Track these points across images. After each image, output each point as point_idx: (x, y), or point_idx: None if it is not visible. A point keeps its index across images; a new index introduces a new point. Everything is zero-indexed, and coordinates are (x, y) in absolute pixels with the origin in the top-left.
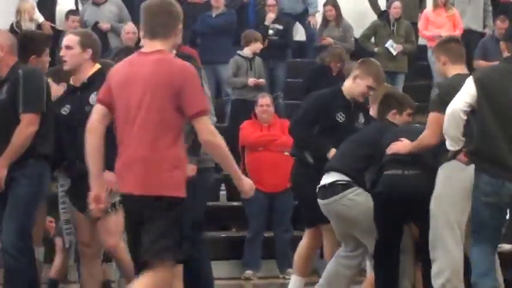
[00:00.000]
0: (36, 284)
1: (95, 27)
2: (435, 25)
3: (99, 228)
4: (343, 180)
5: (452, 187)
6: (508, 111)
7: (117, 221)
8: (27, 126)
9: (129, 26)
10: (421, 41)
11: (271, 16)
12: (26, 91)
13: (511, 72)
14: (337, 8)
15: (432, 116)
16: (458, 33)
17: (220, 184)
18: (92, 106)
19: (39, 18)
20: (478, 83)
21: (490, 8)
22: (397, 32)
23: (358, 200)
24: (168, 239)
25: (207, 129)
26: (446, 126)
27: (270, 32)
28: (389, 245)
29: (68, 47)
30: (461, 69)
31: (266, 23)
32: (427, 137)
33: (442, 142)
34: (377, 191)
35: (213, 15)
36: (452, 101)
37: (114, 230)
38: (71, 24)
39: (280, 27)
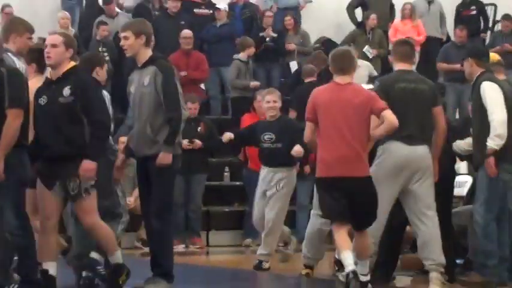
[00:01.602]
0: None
1: (118, 35)
2: (403, 33)
3: (77, 210)
4: None
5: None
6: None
7: (90, 202)
8: (14, 120)
9: None
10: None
11: (268, 25)
12: (11, 88)
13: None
14: (294, 18)
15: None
16: (422, 39)
17: (225, 167)
18: (64, 98)
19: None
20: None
21: (445, 18)
22: (373, 39)
23: None
24: None
25: None
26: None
27: (267, 39)
28: None
29: (54, 46)
30: (404, 66)
31: (264, 32)
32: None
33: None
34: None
35: (218, 26)
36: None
37: (89, 210)
38: (102, 33)
39: (275, 34)
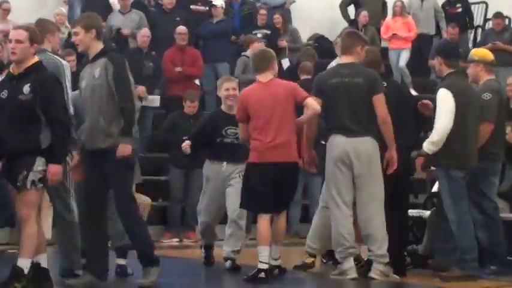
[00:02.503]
0: None
1: (118, 32)
2: (394, 30)
3: (19, 200)
4: None
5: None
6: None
7: (34, 197)
8: None
9: (145, 31)
10: (384, 44)
11: (262, 23)
12: None
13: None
14: (283, 16)
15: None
16: (413, 35)
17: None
18: (24, 95)
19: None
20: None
21: (443, 14)
22: (365, 36)
23: None
24: None
25: None
26: None
27: (259, 35)
28: None
29: (18, 41)
30: (345, 59)
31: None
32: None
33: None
34: None
35: (214, 22)
36: None
37: (30, 204)
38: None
39: (268, 31)
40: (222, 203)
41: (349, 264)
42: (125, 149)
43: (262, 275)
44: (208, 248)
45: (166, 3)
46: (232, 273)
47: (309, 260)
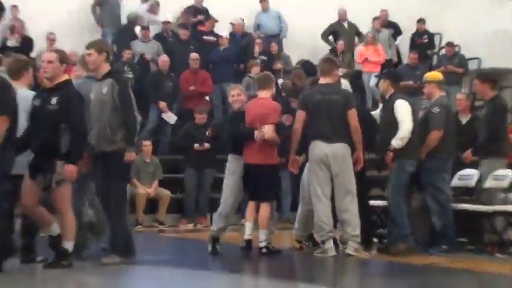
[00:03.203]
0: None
1: (142, 57)
2: (366, 56)
3: (51, 198)
4: None
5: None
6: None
7: (63, 193)
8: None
9: (164, 57)
10: (357, 67)
11: (259, 50)
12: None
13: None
14: (278, 44)
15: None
16: (381, 60)
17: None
18: (52, 106)
19: None
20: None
21: (394, 42)
22: (343, 61)
23: None
24: None
25: None
26: None
27: (258, 61)
28: None
29: (50, 62)
30: (324, 80)
31: (255, 55)
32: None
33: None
34: None
35: (221, 50)
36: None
37: (61, 199)
38: (127, 56)
39: (265, 57)
40: (240, 196)
41: (329, 244)
42: (131, 156)
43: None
44: (216, 240)
45: (182, 34)
46: (238, 250)
47: (297, 245)
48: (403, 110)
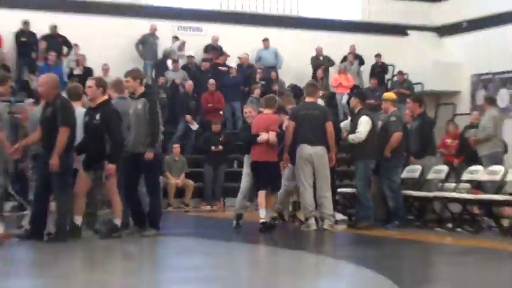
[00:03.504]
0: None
1: (173, 82)
2: (339, 81)
3: (104, 187)
4: None
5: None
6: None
7: (111, 184)
8: (63, 134)
9: (190, 82)
10: (332, 89)
11: (260, 77)
12: (64, 113)
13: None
14: (275, 71)
15: (288, 122)
16: (350, 84)
17: (234, 160)
18: (96, 121)
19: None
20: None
21: (361, 71)
22: (322, 85)
23: None
24: None
25: None
26: None
27: (259, 85)
28: None
29: (90, 87)
30: (309, 99)
31: (257, 80)
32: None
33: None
34: None
35: (231, 77)
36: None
37: (110, 189)
38: (162, 81)
39: (264, 82)
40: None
41: (312, 221)
42: (149, 155)
43: (261, 226)
44: (240, 217)
45: (203, 66)
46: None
47: (276, 215)
48: (364, 123)
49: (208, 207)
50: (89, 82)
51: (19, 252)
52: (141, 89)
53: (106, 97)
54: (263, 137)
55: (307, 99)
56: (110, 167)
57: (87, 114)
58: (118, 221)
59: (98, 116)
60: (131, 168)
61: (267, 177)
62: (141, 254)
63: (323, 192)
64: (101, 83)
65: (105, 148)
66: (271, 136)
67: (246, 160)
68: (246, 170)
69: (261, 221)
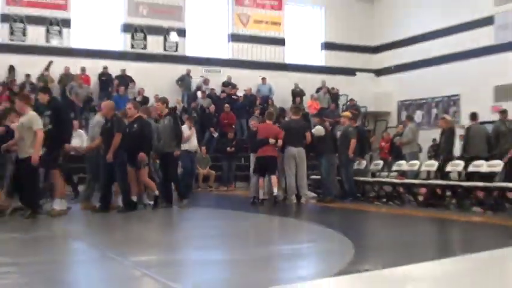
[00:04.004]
0: None
1: (202, 106)
2: (312, 105)
3: (140, 172)
4: None
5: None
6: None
7: (144, 171)
8: (117, 138)
9: (213, 106)
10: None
11: (259, 103)
12: (117, 125)
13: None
14: (271, 99)
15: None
16: (319, 107)
17: (242, 157)
18: (134, 129)
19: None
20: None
21: (328, 97)
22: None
23: None
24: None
25: None
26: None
27: (258, 108)
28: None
29: (129, 108)
30: (294, 116)
31: (257, 104)
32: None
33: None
34: None
35: (240, 102)
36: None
37: (143, 174)
38: (193, 105)
39: (261, 106)
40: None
41: (293, 197)
42: (177, 153)
43: (257, 200)
44: (256, 198)
45: (221, 95)
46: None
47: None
48: (319, 129)
49: (225, 188)
50: (128, 105)
51: (96, 219)
52: (166, 110)
53: (139, 114)
54: (272, 141)
55: (293, 117)
56: (142, 155)
57: (128, 126)
58: (156, 192)
59: (135, 126)
60: (162, 166)
61: (274, 166)
62: (177, 218)
63: (302, 179)
64: (135, 106)
65: (141, 147)
66: (279, 142)
67: (253, 157)
68: (252, 163)
69: (273, 195)
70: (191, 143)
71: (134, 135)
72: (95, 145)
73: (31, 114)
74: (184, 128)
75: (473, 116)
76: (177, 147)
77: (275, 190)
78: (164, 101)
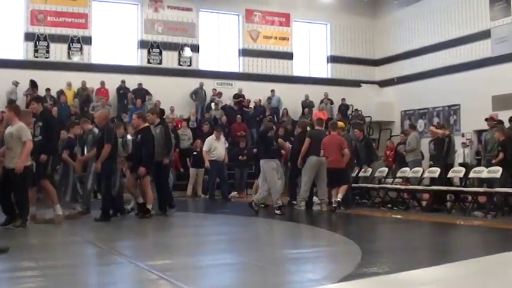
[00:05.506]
0: None
1: (215, 117)
2: (319, 115)
3: (143, 181)
4: None
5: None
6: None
7: (145, 180)
8: (106, 148)
9: (224, 117)
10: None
11: (269, 114)
12: (107, 136)
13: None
14: (285, 110)
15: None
16: (326, 117)
17: (252, 165)
18: (139, 139)
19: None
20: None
21: (330, 107)
22: (307, 118)
23: None
24: None
25: None
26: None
27: (269, 118)
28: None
29: (134, 119)
30: (318, 127)
31: (267, 115)
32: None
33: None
34: None
35: (250, 113)
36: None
37: (147, 183)
38: (207, 116)
39: (271, 117)
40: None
41: (303, 203)
42: (166, 161)
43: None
44: (264, 205)
45: (234, 106)
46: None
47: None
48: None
49: (237, 194)
50: (134, 115)
51: (108, 225)
52: (157, 120)
53: (146, 124)
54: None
55: (317, 127)
56: (142, 169)
57: (136, 134)
58: (150, 206)
59: (139, 137)
60: (155, 173)
61: (345, 178)
62: (188, 224)
63: (322, 187)
64: (141, 116)
65: (141, 159)
66: (346, 151)
67: (262, 162)
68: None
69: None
70: (218, 153)
71: (138, 146)
72: (91, 155)
73: (20, 125)
74: (211, 139)
75: None
76: (166, 157)
77: (339, 197)
78: (155, 111)
